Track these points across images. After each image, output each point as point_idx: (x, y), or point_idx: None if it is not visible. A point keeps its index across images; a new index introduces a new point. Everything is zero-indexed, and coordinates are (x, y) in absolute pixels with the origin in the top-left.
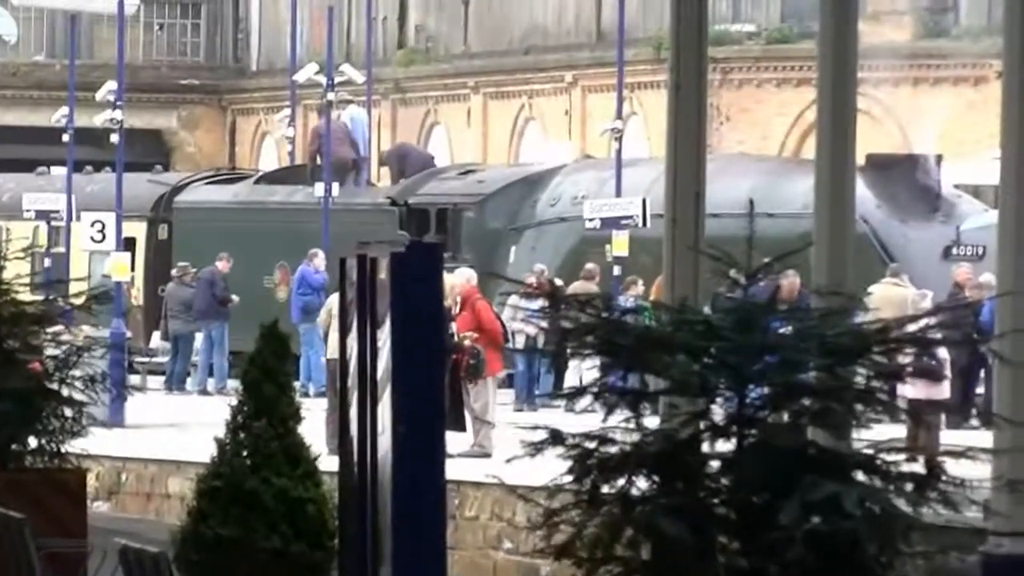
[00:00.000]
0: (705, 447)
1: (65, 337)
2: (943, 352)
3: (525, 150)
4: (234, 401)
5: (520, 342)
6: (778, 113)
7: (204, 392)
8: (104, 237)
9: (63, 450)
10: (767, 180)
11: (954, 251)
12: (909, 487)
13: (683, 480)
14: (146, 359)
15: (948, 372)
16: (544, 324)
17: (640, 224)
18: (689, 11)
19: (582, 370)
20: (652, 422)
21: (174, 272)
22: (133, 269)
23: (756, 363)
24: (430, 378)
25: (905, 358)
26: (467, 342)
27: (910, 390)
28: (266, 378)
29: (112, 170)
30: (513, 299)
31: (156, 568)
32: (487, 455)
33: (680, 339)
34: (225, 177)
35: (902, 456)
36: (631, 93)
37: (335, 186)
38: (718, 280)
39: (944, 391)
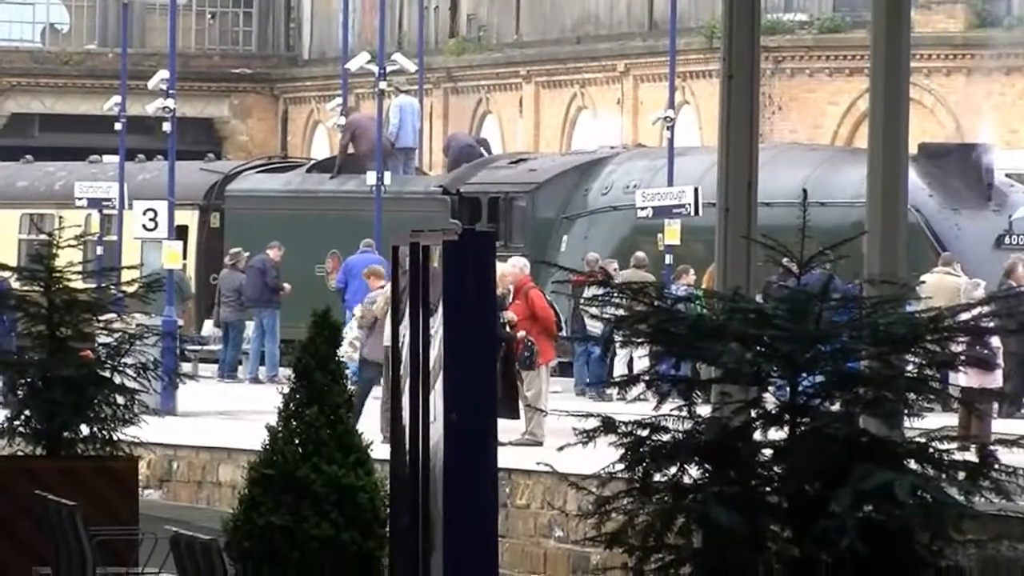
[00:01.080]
0: (757, 435)
1: (117, 325)
2: (996, 341)
3: (577, 139)
4: (286, 389)
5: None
6: (830, 102)
7: (256, 380)
8: (156, 225)
9: (115, 438)
10: (819, 169)
11: (1006, 240)
12: (961, 476)
13: (735, 469)
14: (198, 347)
15: (1001, 360)
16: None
17: (692, 213)
18: (742, 0)
19: (632, 357)
20: (704, 410)
21: (227, 259)
22: (185, 257)
23: (809, 351)
24: (482, 366)
25: (958, 346)
26: (521, 333)
27: (963, 378)
28: (318, 366)
29: (164, 158)
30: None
31: (207, 556)
32: (539, 443)
33: (733, 327)
34: (277, 166)
35: (954, 445)
36: (683, 82)
37: (387, 175)
38: (770, 269)
39: (997, 379)
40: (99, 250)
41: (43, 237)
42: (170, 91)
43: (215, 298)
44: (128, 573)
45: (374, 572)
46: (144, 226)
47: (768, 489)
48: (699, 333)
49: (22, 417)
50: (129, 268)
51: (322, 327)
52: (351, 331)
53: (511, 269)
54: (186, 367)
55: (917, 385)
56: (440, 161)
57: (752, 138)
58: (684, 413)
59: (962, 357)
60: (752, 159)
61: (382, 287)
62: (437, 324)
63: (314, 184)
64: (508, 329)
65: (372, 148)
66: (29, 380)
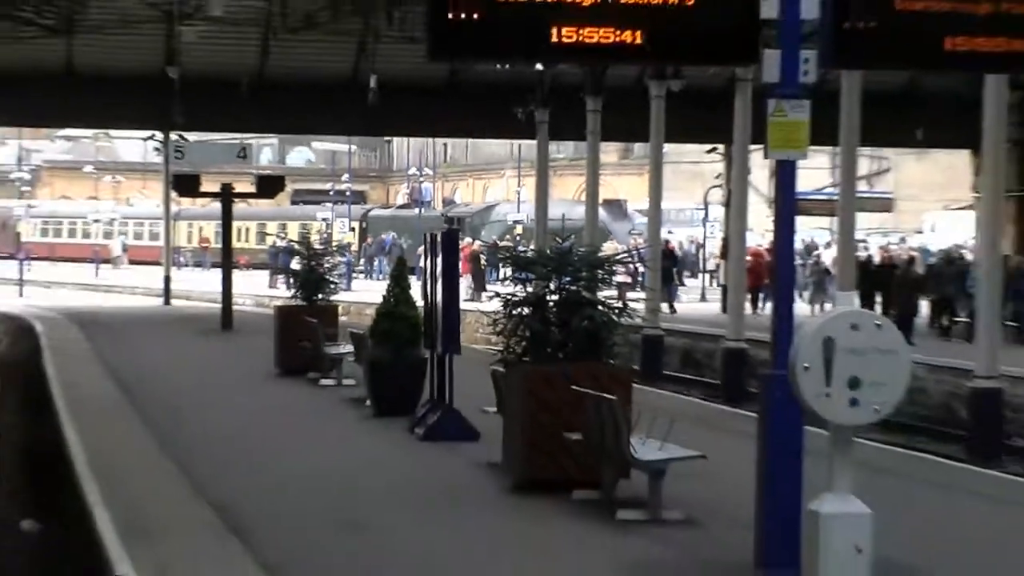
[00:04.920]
0: (549, 298)
1: None
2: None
3: None
4: None
5: None
6: None
7: None
8: None
9: None
10: None
11: (632, 233)
12: (617, 311)
13: (540, 310)
14: None
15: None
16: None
17: None
18: None
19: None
20: (531, 289)
21: None
22: None
23: (566, 269)
24: None
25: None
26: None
27: (621, 278)
28: None
29: None
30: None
31: None
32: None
33: (540, 259)
34: None
35: (616, 301)
36: None
37: None
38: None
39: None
40: None
41: None
42: None
43: None
44: None
45: None
46: None
47: (551, 316)
48: (529, 261)
49: None
50: None
51: None
52: None
53: None
54: None
55: (604, 279)
56: None
57: None
58: (526, 291)
59: (621, 271)
60: None
61: None
62: None
63: None
64: None
65: None
66: None
